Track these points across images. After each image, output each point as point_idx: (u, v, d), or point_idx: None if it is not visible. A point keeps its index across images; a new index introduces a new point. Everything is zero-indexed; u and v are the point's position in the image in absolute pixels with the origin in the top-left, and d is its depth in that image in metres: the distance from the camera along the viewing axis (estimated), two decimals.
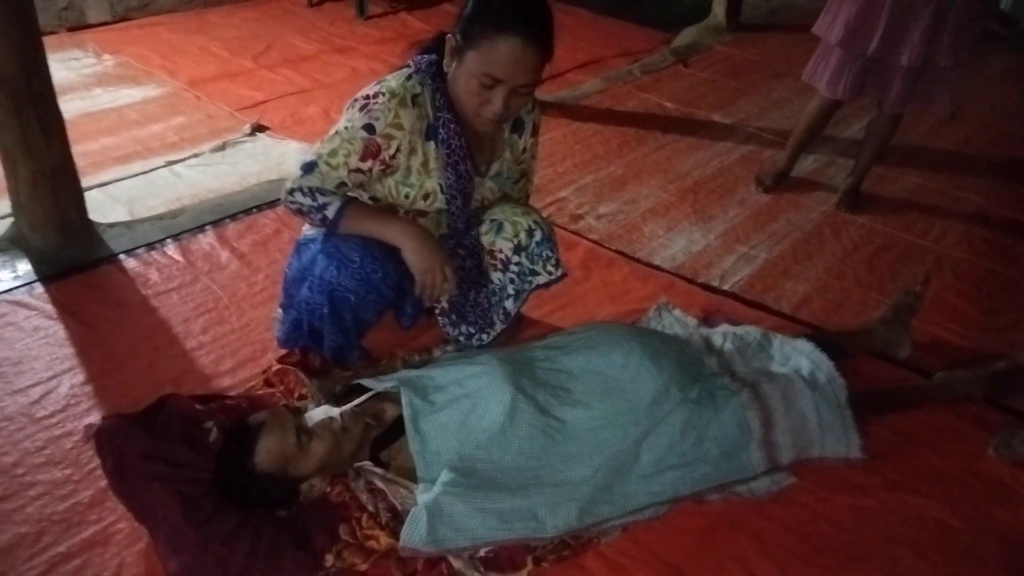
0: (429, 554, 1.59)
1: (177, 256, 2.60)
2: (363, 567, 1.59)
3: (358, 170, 1.82)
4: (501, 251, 2.01)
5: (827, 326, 2.43)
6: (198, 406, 1.87)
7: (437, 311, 2.15)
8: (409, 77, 1.83)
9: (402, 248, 1.86)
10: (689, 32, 5.09)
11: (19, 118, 2.35)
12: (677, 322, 2.30)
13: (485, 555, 1.61)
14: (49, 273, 2.46)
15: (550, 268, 2.03)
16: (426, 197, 1.91)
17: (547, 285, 2.05)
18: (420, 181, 1.89)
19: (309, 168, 1.82)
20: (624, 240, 2.86)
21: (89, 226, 2.66)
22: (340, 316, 1.96)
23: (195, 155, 3.30)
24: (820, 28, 2.84)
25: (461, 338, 2.14)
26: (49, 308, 2.32)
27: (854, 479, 1.88)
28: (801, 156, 3.30)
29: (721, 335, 2.13)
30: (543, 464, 1.73)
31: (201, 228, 2.75)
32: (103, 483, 1.73)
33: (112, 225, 2.72)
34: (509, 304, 2.07)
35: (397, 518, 1.65)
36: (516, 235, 1.99)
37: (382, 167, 1.84)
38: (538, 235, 2.00)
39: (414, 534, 1.57)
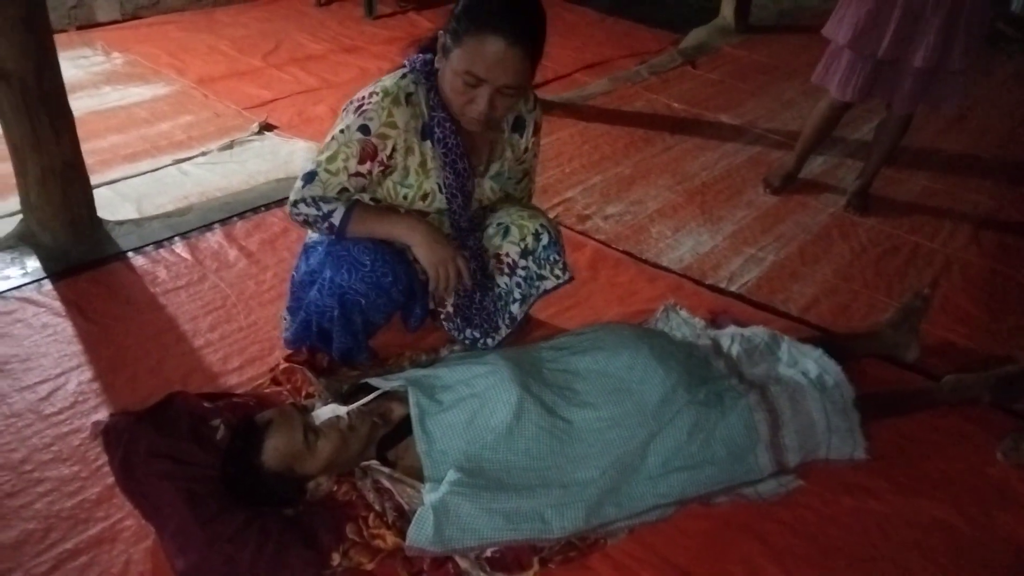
0: (435, 554, 1.59)
1: (185, 254, 2.60)
2: (369, 566, 1.59)
3: (358, 174, 1.82)
4: (508, 255, 2.01)
5: (835, 328, 2.43)
6: (206, 404, 1.87)
7: (442, 315, 2.15)
8: (403, 76, 1.83)
9: (412, 245, 1.86)
10: (697, 33, 5.08)
11: (29, 115, 2.36)
12: (684, 323, 2.30)
13: (491, 555, 1.61)
14: (58, 270, 2.47)
15: (557, 272, 2.03)
16: (425, 197, 1.91)
17: (554, 289, 2.05)
18: (418, 181, 1.89)
19: (309, 178, 1.82)
20: (631, 241, 2.85)
21: (98, 224, 2.67)
22: (350, 318, 1.96)
23: (203, 153, 3.31)
24: (829, 30, 2.84)
25: (466, 342, 2.14)
26: (58, 305, 2.33)
27: (862, 482, 1.88)
28: (810, 158, 3.29)
29: (729, 337, 2.12)
30: (550, 465, 1.73)
31: (209, 226, 2.76)
32: (110, 480, 1.74)
33: (121, 223, 2.73)
34: (515, 308, 2.07)
35: (404, 517, 1.65)
36: (523, 239, 1.99)
37: (381, 168, 1.84)
38: (545, 239, 1.99)
39: (421, 534, 1.57)
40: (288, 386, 2.01)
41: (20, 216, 2.63)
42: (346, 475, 1.75)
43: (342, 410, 1.72)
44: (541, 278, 2.03)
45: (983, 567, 1.71)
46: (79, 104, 2.65)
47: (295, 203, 1.84)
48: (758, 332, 2.13)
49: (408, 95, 1.81)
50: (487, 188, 2.00)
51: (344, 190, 1.84)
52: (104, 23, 4.74)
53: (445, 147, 1.85)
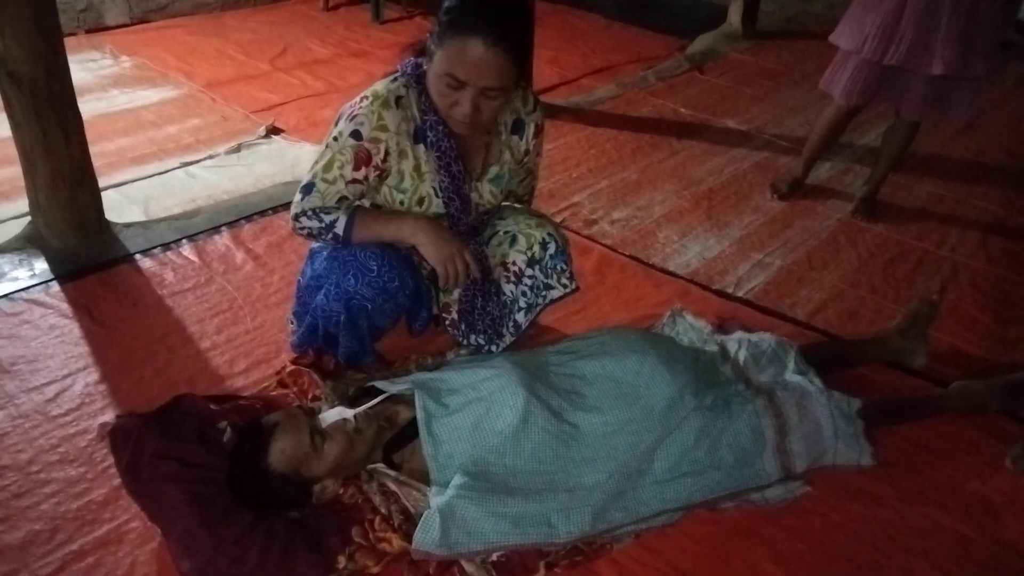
0: (441, 558, 1.58)
1: (192, 257, 2.61)
2: (375, 569, 1.59)
3: (355, 180, 1.82)
4: (515, 263, 2.01)
5: (842, 334, 2.42)
6: (212, 406, 1.88)
7: (447, 321, 2.15)
8: (394, 79, 1.83)
9: (417, 244, 1.86)
10: (704, 39, 5.08)
11: (39, 118, 2.37)
12: (691, 328, 2.29)
13: (497, 559, 1.61)
14: (65, 272, 2.48)
15: (564, 281, 2.02)
16: (421, 202, 1.91)
17: (561, 299, 2.05)
18: (413, 185, 1.89)
19: (307, 190, 1.82)
20: (638, 246, 2.85)
21: (105, 226, 2.68)
22: (356, 323, 1.96)
23: (210, 156, 3.32)
24: (838, 37, 2.83)
25: (471, 347, 2.14)
26: (65, 307, 2.34)
27: (869, 489, 1.87)
28: (817, 163, 3.28)
29: (736, 342, 2.12)
30: (556, 469, 1.72)
31: (216, 229, 2.76)
32: (117, 482, 1.74)
33: (128, 225, 2.73)
34: (520, 317, 2.07)
35: (410, 521, 1.65)
36: (530, 247, 1.99)
37: (377, 173, 1.84)
38: (552, 248, 1.99)
39: (427, 537, 1.57)
40: (295, 389, 2.01)
41: (28, 218, 2.64)
42: (352, 478, 1.75)
43: (348, 413, 1.72)
44: (548, 287, 2.03)
45: (991, 575, 1.70)
46: (87, 107, 2.66)
47: (296, 217, 1.85)
48: (765, 338, 2.13)
49: (398, 98, 1.81)
50: (486, 191, 2.00)
51: (343, 198, 1.84)
52: (113, 27, 4.76)
53: (439, 150, 1.85)
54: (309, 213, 1.83)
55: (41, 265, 2.50)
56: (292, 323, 2.18)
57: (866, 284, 2.70)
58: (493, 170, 1.98)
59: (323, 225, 1.83)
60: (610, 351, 1.93)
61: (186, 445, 1.72)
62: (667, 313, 2.37)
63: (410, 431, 1.75)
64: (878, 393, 2.13)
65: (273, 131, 3.55)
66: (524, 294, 2.04)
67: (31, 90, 2.32)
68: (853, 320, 2.51)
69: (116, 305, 2.36)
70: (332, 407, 1.80)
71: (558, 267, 2.01)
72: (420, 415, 1.73)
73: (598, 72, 4.53)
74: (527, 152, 2.01)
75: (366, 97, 1.81)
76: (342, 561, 1.58)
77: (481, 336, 2.11)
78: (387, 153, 1.82)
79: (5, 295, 2.37)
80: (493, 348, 2.11)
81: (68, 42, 2.47)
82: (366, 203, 1.93)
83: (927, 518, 1.81)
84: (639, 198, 3.19)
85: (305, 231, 1.86)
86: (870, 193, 3.15)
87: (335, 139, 1.80)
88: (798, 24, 5.61)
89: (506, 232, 2.03)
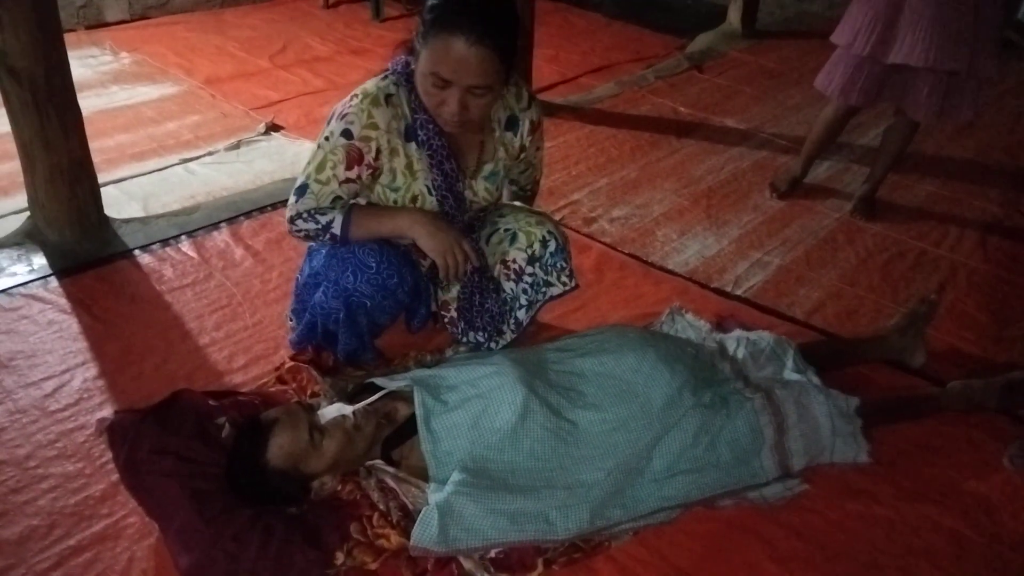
0: (440, 554, 1.58)
1: (191, 253, 2.61)
2: (373, 566, 1.59)
3: (348, 180, 1.81)
4: (515, 261, 2.01)
5: (840, 333, 2.42)
6: (211, 402, 1.87)
7: (446, 319, 2.15)
8: (384, 78, 1.83)
9: (414, 237, 1.85)
10: (704, 38, 5.08)
11: (39, 113, 2.37)
12: (690, 327, 2.29)
13: (496, 556, 1.61)
14: (64, 267, 2.47)
15: (564, 279, 2.02)
16: (414, 200, 1.90)
17: (560, 296, 2.05)
18: (406, 184, 1.89)
19: (301, 191, 1.82)
20: (637, 244, 2.85)
21: (104, 222, 2.68)
22: (355, 320, 1.96)
23: (210, 153, 3.32)
24: (842, 38, 2.81)
25: (470, 344, 2.14)
26: (64, 302, 2.33)
27: (867, 487, 1.87)
28: (816, 162, 3.28)
29: (735, 340, 2.12)
30: (555, 466, 1.72)
31: (215, 225, 2.76)
32: (115, 477, 1.74)
33: (127, 221, 2.73)
34: (521, 314, 2.07)
35: (408, 517, 1.65)
36: (530, 245, 1.99)
37: (370, 171, 1.83)
38: (552, 245, 1.99)
39: (425, 534, 1.57)
40: (293, 385, 2.01)
41: (27, 213, 2.64)
42: (351, 474, 1.75)
43: (347, 409, 1.72)
44: (548, 284, 2.03)
45: (991, 574, 1.70)
46: (87, 103, 2.66)
47: (292, 219, 1.85)
48: (764, 336, 2.13)
49: (388, 96, 1.80)
50: (480, 189, 1.99)
51: (337, 198, 1.83)
52: (112, 23, 4.76)
53: (430, 149, 1.85)
54: (305, 215, 1.83)
55: (40, 260, 2.50)
56: (291, 321, 2.18)
57: (865, 283, 2.70)
58: (487, 167, 1.97)
59: (320, 227, 1.83)
60: (609, 349, 1.93)
61: (184, 441, 1.72)
62: (666, 311, 2.37)
63: (409, 428, 1.75)
64: (876, 392, 2.13)
65: (273, 128, 3.55)
66: (525, 291, 2.04)
67: (31, 86, 2.32)
68: (851, 319, 2.51)
69: (115, 301, 2.36)
70: (331, 403, 1.80)
71: (558, 265, 2.01)
72: (419, 412, 1.73)
73: (598, 71, 4.53)
74: (522, 148, 2.00)
75: (355, 95, 1.80)
76: (340, 557, 1.58)
77: (480, 333, 2.10)
78: (378, 151, 1.82)
79: (3, 290, 2.37)
80: (493, 345, 2.11)
81: (68, 38, 2.46)
82: (362, 201, 1.93)
83: (925, 517, 1.81)
84: (638, 196, 3.19)
85: (302, 233, 1.86)
86: (869, 192, 3.15)
87: (326, 139, 1.80)
88: (797, 23, 5.61)
89: (506, 230, 2.03)
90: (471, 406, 1.75)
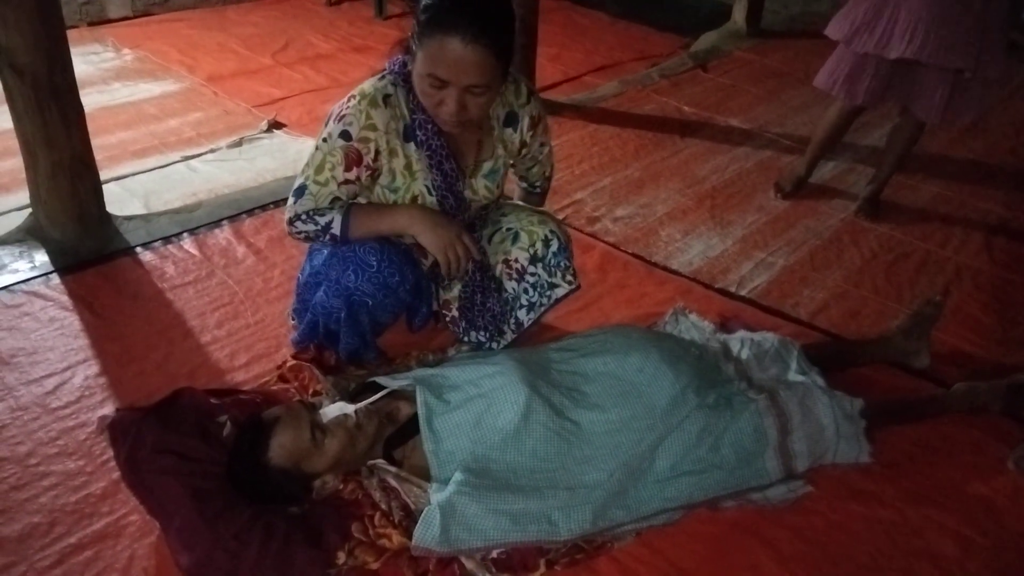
0: (442, 554, 1.58)
1: (193, 250, 2.60)
2: (375, 566, 1.58)
3: (347, 181, 1.81)
4: (517, 260, 2.00)
5: (844, 334, 2.41)
6: (212, 400, 1.87)
7: (447, 318, 2.14)
8: (382, 78, 1.82)
9: (414, 234, 1.85)
10: (708, 37, 5.07)
11: (41, 110, 2.36)
12: (694, 327, 2.28)
13: (498, 557, 1.60)
14: (66, 264, 2.47)
15: (568, 278, 2.02)
16: (414, 200, 1.90)
17: (565, 297, 2.04)
18: (405, 184, 1.88)
19: (299, 192, 1.82)
20: (641, 244, 2.84)
21: (106, 219, 2.67)
22: (357, 319, 1.95)
23: (212, 150, 3.31)
24: (838, 32, 2.79)
25: (472, 344, 2.13)
26: (65, 299, 2.33)
27: (871, 489, 1.86)
28: (820, 163, 3.27)
29: (739, 341, 2.11)
30: (557, 467, 1.72)
31: (217, 223, 2.75)
32: (116, 475, 1.73)
33: (129, 218, 2.73)
34: (522, 315, 2.06)
35: (410, 517, 1.64)
36: (532, 244, 1.98)
37: (369, 172, 1.83)
38: (555, 245, 1.98)
39: (427, 534, 1.56)
40: (295, 383, 2.00)
41: (29, 210, 2.63)
42: (352, 474, 1.74)
43: (349, 408, 1.71)
44: (552, 286, 2.02)
45: None
46: (89, 100, 2.65)
47: (291, 221, 1.84)
48: (768, 337, 2.12)
49: (386, 96, 1.79)
50: (480, 187, 1.98)
51: (336, 199, 1.83)
52: (115, 19, 4.75)
53: (429, 149, 1.84)
54: (304, 217, 1.82)
55: (41, 257, 2.50)
56: (293, 320, 2.18)
57: (869, 284, 2.69)
58: (487, 165, 1.96)
59: (319, 227, 1.83)
60: (612, 349, 1.92)
61: (186, 439, 1.71)
62: (669, 312, 2.37)
63: (411, 427, 1.74)
64: (880, 393, 2.12)
65: (275, 125, 3.54)
66: (526, 291, 2.03)
67: (33, 82, 2.32)
68: (856, 320, 2.50)
69: (116, 298, 2.35)
70: (333, 402, 1.80)
71: (561, 264, 2.00)
72: (421, 411, 1.73)
73: (601, 69, 4.52)
74: (523, 144, 1.99)
75: (353, 96, 1.80)
76: (342, 557, 1.57)
77: (482, 333, 2.10)
78: (377, 152, 1.81)
79: (5, 287, 2.36)
80: (494, 345, 2.11)
81: (70, 35, 2.46)
82: (361, 201, 1.92)
83: (929, 519, 1.80)
84: (642, 196, 3.18)
85: (302, 235, 1.86)
86: (874, 193, 3.14)
87: (324, 140, 1.80)
88: (802, 23, 5.59)
89: (508, 229, 2.02)
90: (474, 406, 1.74)
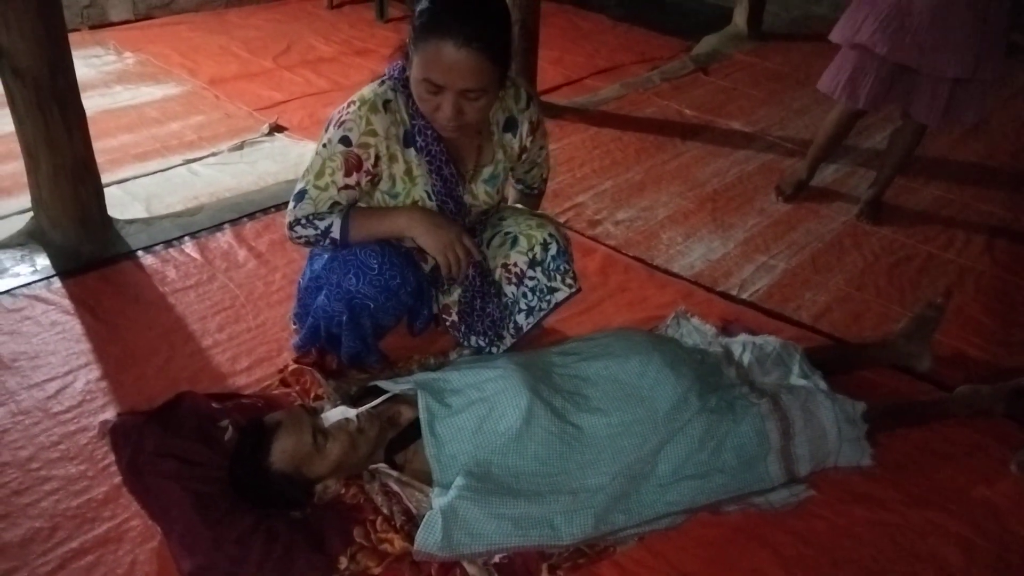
0: (443, 559, 1.57)
1: (195, 254, 2.60)
2: (377, 570, 1.58)
3: (347, 186, 1.81)
4: (516, 264, 1.99)
5: (847, 337, 2.41)
6: (214, 404, 1.87)
7: (448, 322, 2.14)
8: (382, 83, 1.82)
9: (413, 236, 1.85)
10: (709, 40, 5.07)
11: (43, 113, 2.36)
12: (695, 330, 2.28)
13: (500, 561, 1.60)
14: (67, 268, 2.47)
15: (569, 281, 2.01)
16: (414, 205, 1.90)
17: (565, 301, 2.03)
18: (406, 190, 1.88)
19: (300, 196, 1.82)
20: (642, 247, 2.84)
21: (108, 222, 2.67)
22: (359, 322, 1.95)
23: (213, 154, 3.31)
24: (840, 35, 2.80)
25: (472, 348, 2.13)
26: (67, 303, 2.33)
27: (874, 493, 1.86)
28: (822, 166, 3.27)
29: (740, 345, 2.11)
30: (559, 471, 1.71)
31: (219, 226, 2.75)
32: (117, 480, 1.73)
33: (131, 222, 2.73)
34: (521, 319, 2.05)
35: (412, 521, 1.64)
36: (531, 248, 1.98)
37: (369, 178, 1.83)
38: (554, 249, 1.98)
39: (429, 538, 1.56)
40: (297, 388, 2.00)
41: (31, 214, 2.63)
42: (354, 478, 1.74)
43: (351, 412, 1.71)
44: (552, 290, 2.01)
45: None
46: (91, 103, 2.65)
47: (291, 225, 1.84)
48: (770, 340, 2.12)
49: (386, 102, 1.79)
50: (481, 192, 1.98)
51: (335, 204, 1.83)
52: (117, 23, 4.76)
53: (429, 154, 1.84)
54: (303, 221, 1.82)
55: (43, 261, 2.50)
56: (294, 325, 2.18)
57: (871, 287, 2.69)
58: (487, 171, 1.96)
59: (319, 232, 1.83)
60: (614, 353, 1.92)
61: (187, 443, 1.72)
62: (671, 315, 2.36)
63: (413, 431, 1.74)
64: (883, 397, 2.11)
65: (276, 129, 3.54)
66: (525, 295, 2.03)
67: (35, 85, 2.32)
68: (858, 323, 2.50)
69: (118, 302, 2.35)
70: (334, 406, 1.79)
71: (560, 268, 1.99)
72: (423, 415, 1.72)
73: (603, 72, 4.52)
74: (523, 149, 1.99)
75: (353, 102, 1.80)
76: (344, 562, 1.57)
77: (481, 338, 2.09)
78: (377, 158, 1.81)
79: (7, 291, 2.36)
80: (493, 350, 2.10)
81: (72, 38, 2.46)
82: (362, 205, 1.92)
83: (932, 523, 1.80)
84: (643, 199, 3.18)
85: (302, 240, 1.86)
86: (875, 196, 3.13)
87: (324, 146, 1.80)
88: (803, 26, 5.59)
89: (507, 233, 2.01)
90: (475, 410, 1.74)
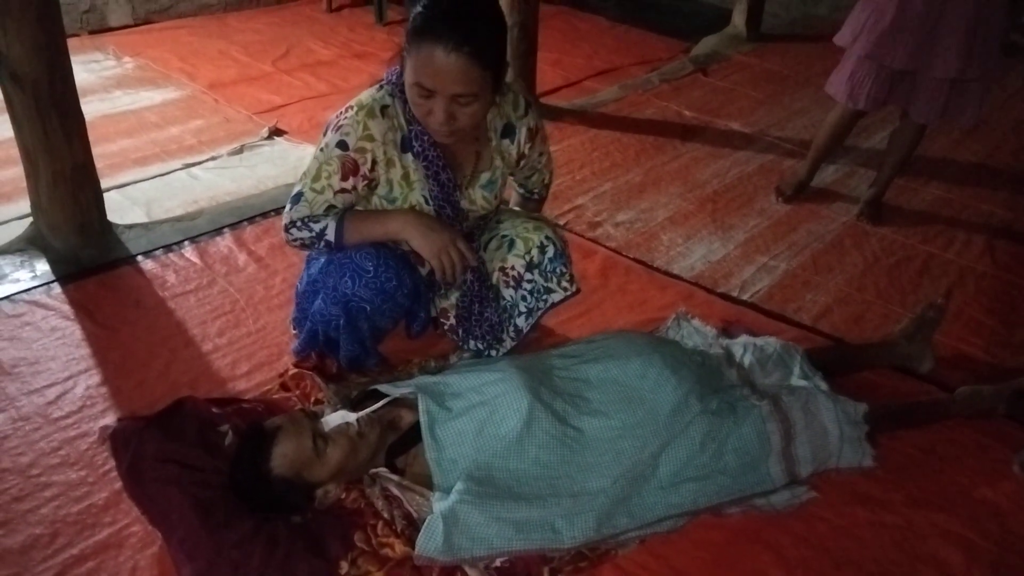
0: (445, 563, 1.57)
1: (194, 258, 2.60)
2: (378, 575, 1.57)
3: (343, 190, 1.81)
4: (513, 268, 1.99)
5: (847, 338, 2.40)
6: (214, 409, 1.87)
7: (446, 326, 2.14)
8: (380, 88, 1.82)
9: (407, 239, 1.84)
10: (708, 41, 5.07)
11: (41, 119, 2.36)
12: (696, 332, 2.28)
13: (501, 565, 1.60)
14: (67, 273, 2.47)
15: (565, 284, 2.01)
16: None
17: (561, 302, 2.03)
18: (403, 195, 1.88)
19: (296, 199, 1.82)
20: (642, 248, 2.84)
21: (107, 227, 2.67)
22: (356, 326, 1.95)
23: (213, 158, 3.31)
24: (843, 38, 2.81)
25: (472, 352, 2.13)
26: (66, 308, 2.33)
27: (875, 494, 1.85)
28: (822, 166, 3.27)
29: (741, 346, 2.10)
30: (560, 474, 1.71)
31: (219, 231, 2.75)
32: (118, 485, 1.73)
33: (130, 226, 2.73)
34: (520, 321, 2.05)
35: (412, 526, 1.64)
36: (528, 251, 1.97)
37: (366, 182, 1.83)
38: (550, 251, 1.97)
39: (430, 542, 1.55)
40: (297, 392, 2.00)
41: (30, 219, 2.63)
42: (355, 482, 1.74)
43: (351, 417, 1.71)
44: (548, 291, 2.01)
45: None
46: (90, 108, 2.65)
47: (287, 228, 1.85)
48: (771, 342, 2.12)
49: (384, 107, 1.80)
50: (478, 197, 1.98)
51: (331, 207, 1.83)
52: (116, 28, 4.76)
53: (426, 159, 1.84)
54: (299, 223, 1.83)
55: (43, 266, 2.50)
56: (294, 330, 2.17)
57: (872, 288, 2.68)
58: (484, 176, 1.96)
59: (314, 234, 1.83)
60: (614, 355, 1.92)
61: (188, 448, 1.71)
62: (672, 317, 2.36)
63: (413, 435, 1.74)
64: (884, 398, 2.11)
65: (276, 132, 3.54)
66: (524, 298, 2.02)
67: (34, 91, 2.32)
68: (859, 324, 2.50)
69: (118, 307, 2.35)
70: (335, 411, 1.79)
71: (557, 270, 1.99)
72: (423, 419, 1.72)
73: (601, 74, 4.52)
74: (522, 156, 2.00)
75: (351, 107, 1.80)
76: (345, 567, 1.57)
77: (480, 342, 2.09)
78: (374, 163, 1.81)
79: (6, 297, 2.36)
80: (493, 353, 2.10)
81: (71, 43, 2.46)
82: (359, 208, 1.92)
83: (934, 524, 1.80)
84: (643, 201, 3.18)
85: (297, 242, 1.86)
86: (875, 196, 3.13)
87: (321, 150, 1.80)
88: (802, 26, 5.59)
89: (503, 236, 2.01)
90: (476, 413, 1.74)
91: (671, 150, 3.63)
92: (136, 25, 4.84)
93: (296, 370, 2.03)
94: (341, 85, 4.11)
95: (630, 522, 1.69)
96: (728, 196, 3.25)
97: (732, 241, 2.93)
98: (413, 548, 1.57)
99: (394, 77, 1.82)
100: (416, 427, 1.73)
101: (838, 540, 1.74)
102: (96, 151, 2.60)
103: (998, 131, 4.03)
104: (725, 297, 2.58)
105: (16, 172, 2.64)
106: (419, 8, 1.63)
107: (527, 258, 1.97)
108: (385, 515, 1.67)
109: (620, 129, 3.79)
